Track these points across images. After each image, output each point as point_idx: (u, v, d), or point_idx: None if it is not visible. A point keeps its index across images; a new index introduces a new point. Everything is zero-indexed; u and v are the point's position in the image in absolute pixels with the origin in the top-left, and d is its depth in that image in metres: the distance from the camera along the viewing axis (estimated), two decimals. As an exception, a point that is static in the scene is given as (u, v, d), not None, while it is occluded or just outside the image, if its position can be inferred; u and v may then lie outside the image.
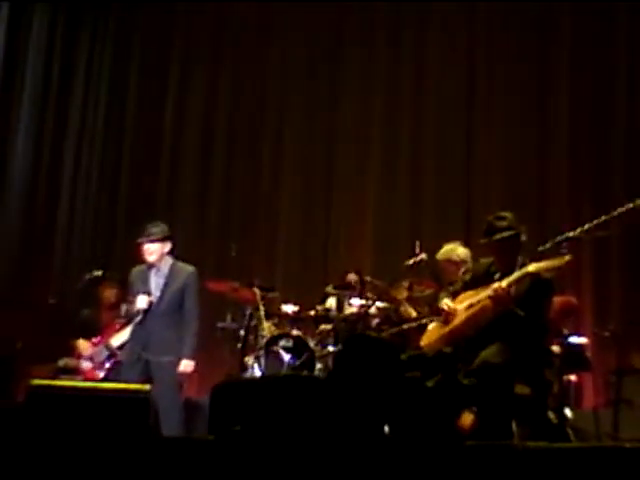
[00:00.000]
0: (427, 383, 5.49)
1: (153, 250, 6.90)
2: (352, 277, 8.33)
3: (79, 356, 8.04)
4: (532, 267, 5.59)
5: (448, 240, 7.57)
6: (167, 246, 6.99)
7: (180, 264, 7.09)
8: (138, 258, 7.05)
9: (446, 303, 6.02)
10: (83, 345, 8.07)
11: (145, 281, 6.94)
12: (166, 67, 10.91)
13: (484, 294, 5.76)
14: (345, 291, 8.21)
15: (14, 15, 10.84)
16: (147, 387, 5.00)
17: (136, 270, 7.06)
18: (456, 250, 7.14)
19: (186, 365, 6.76)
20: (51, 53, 10.94)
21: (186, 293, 6.91)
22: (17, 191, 10.63)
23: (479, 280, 5.96)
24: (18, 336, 6.92)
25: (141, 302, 6.83)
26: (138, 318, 6.87)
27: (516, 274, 5.64)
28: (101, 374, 7.88)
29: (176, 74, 10.86)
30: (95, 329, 8.18)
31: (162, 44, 10.95)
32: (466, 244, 7.44)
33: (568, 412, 6.46)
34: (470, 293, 5.93)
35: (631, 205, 5.87)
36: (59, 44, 10.97)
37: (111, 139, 10.88)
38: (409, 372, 5.42)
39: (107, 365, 7.86)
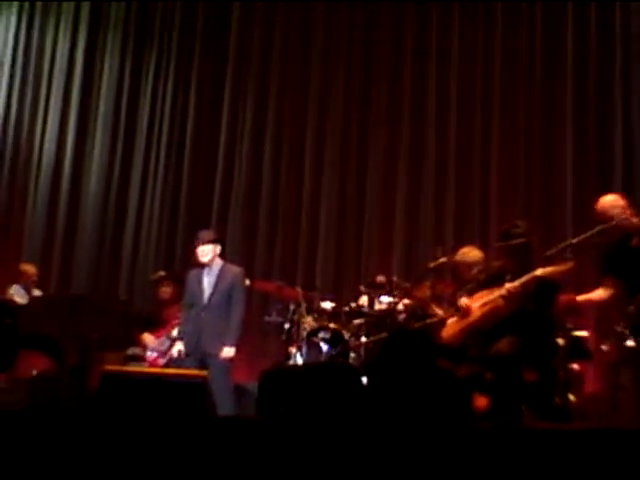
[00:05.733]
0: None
1: (206, 252, 6.96)
2: (381, 278, 8.33)
3: (145, 346, 8.13)
4: (540, 271, 5.60)
5: (466, 244, 7.61)
6: (218, 248, 7.06)
7: (229, 265, 7.17)
8: (194, 262, 7.12)
9: (464, 301, 6.04)
10: (148, 337, 8.18)
11: (199, 281, 7.01)
12: (221, 90, 10.94)
13: (497, 293, 5.77)
14: (375, 290, 8.20)
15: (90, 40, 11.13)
16: (204, 373, 5.05)
17: (192, 272, 7.13)
18: (471, 253, 7.15)
19: (227, 351, 6.77)
20: (122, 72, 11.14)
21: (234, 290, 6.95)
22: (91, 203, 10.80)
23: (492, 281, 5.97)
24: (94, 328, 6.99)
25: (175, 349, 7.01)
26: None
27: (526, 277, 5.65)
28: (163, 362, 7.96)
29: (228, 99, 10.89)
30: (158, 322, 8.26)
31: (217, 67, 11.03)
32: (482, 248, 7.45)
33: (571, 396, 6.44)
34: (485, 292, 5.94)
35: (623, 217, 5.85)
36: (129, 63, 11.18)
37: (174, 154, 10.93)
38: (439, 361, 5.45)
39: (169, 354, 7.93)
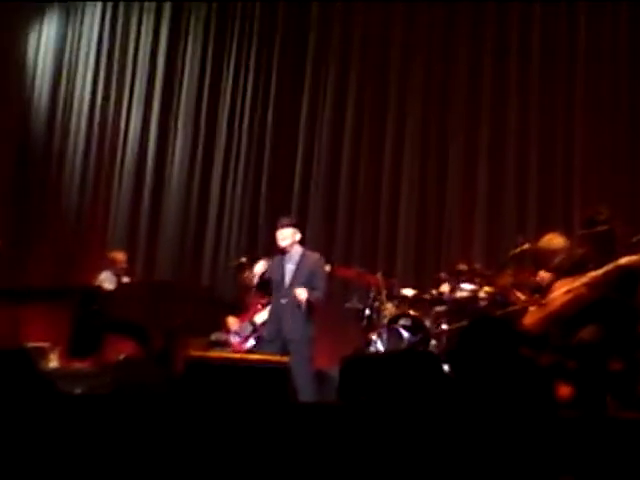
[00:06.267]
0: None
1: (285, 235, 7.01)
2: (462, 266, 8.26)
3: (228, 331, 8.21)
4: (624, 260, 5.49)
5: (549, 231, 7.50)
6: (297, 234, 7.10)
7: (308, 252, 7.20)
8: (276, 249, 7.17)
9: (542, 274, 6.01)
10: (232, 319, 8.24)
11: (280, 268, 7.05)
12: (301, 78, 10.98)
13: (581, 281, 5.68)
14: (457, 277, 8.14)
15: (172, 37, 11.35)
16: (285, 359, 5.08)
17: (274, 259, 7.17)
18: (555, 240, 7.03)
19: (303, 290, 6.81)
20: (204, 61, 11.35)
21: (314, 276, 6.99)
22: (175, 190, 11.04)
23: (575, 268, 5.87)
24: (178, 314, 7.12)
25: (258, 267, 7.08)
26: (256, 281, 7.24)
27: (609, 265, 5.54)
28: (246, 347, 8.03)
29: (309, 87, 10.92)
30: (241, 308, 8.33)
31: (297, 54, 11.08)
32: (565, 235, 7.34)
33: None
34: (567, 280, 5.85)
35: None
36: (211, 50, 11.37)
37: (255, 142, 11.04)
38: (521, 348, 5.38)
39: (251, 339, 8.00)
